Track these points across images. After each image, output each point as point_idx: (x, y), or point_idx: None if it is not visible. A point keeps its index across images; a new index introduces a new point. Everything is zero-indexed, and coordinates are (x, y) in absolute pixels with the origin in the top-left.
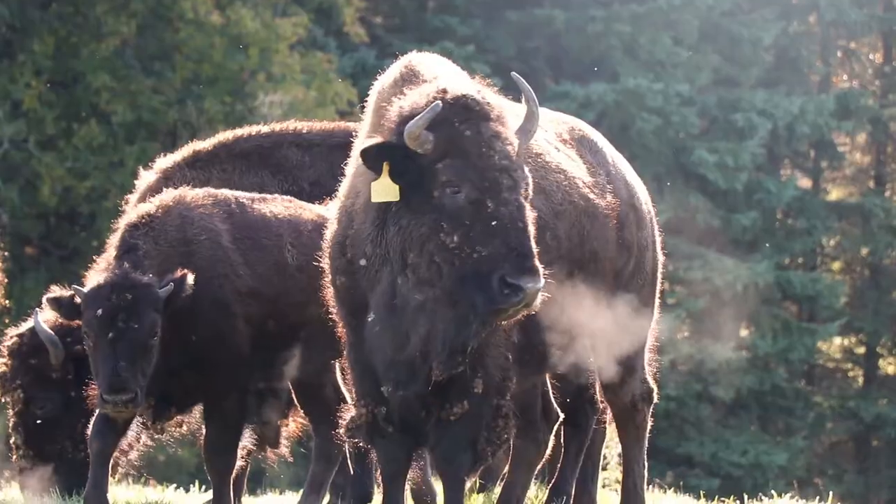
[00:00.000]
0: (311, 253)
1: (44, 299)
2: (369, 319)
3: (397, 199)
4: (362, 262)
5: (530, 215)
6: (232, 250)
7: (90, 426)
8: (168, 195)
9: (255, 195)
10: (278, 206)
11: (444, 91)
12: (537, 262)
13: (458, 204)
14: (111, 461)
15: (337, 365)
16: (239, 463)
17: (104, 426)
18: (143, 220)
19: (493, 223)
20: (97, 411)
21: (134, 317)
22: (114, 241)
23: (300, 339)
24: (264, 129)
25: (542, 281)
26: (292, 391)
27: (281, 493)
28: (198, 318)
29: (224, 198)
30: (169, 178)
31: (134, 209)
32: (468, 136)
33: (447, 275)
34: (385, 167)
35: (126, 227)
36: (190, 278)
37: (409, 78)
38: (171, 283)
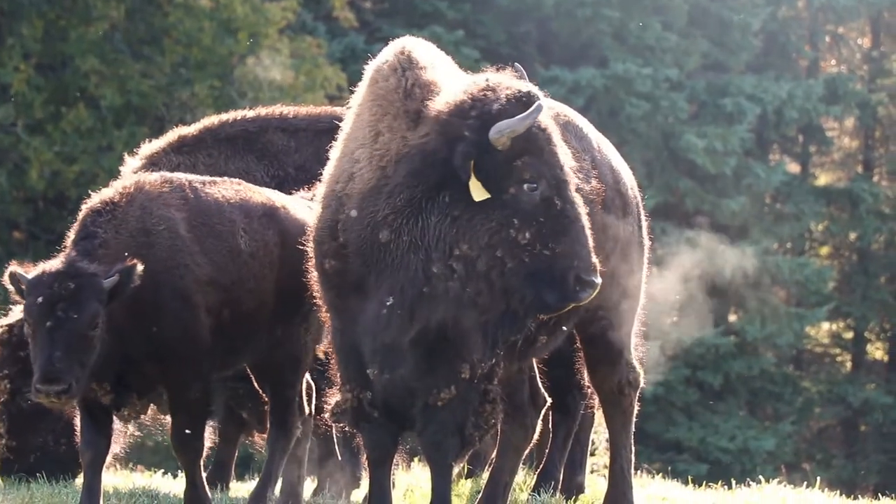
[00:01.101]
0: (261, 238)
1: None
2: (371, 301)
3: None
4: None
5: (585, 211)
6: (190, 239)
7: (79, 434)
8: (128, 181)
9: (206, 178)
10: (228, 190)
11: (509, 87)
12: (595, 259)
13: (535, 201)
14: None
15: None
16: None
17: (93, 435)
18: (106, 207)
19: (564, 220)
20: (81, 418)
21: (74, 306)
22: (75, 225)
23: (257, 325)
24: (250, 113)
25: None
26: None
27: None
28: (160, 308)
29: (179, 183)
30: (155, 164)
31: (96, 194)
32: (538, 133)
33: (513, 270)
34: (471, 165)
35: (88, 212)
36: (138, 269)
37: (408, 65)
38: (117, 274)
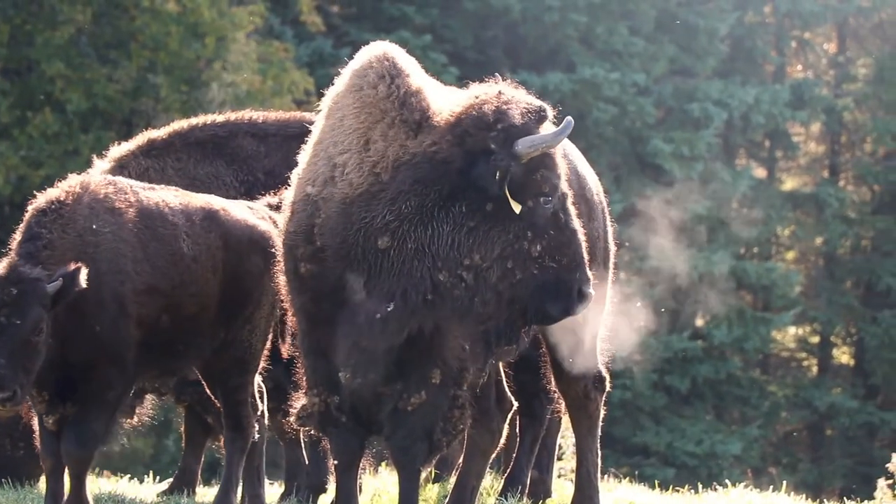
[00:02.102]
0: (203, 242)
1: None
2: (354, 306)
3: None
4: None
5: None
6: (133, 242)
7: (38, 440)
8: (74, 181)
9: (146, 184)
10: (169, 194)
11: (526, 100)
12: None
13: (547, 214)
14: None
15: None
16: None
17: (52, 442)
18: (52, 207)
19: (567, 233)
20: (38, 425)
21: (17, 312)
22: (21, 226)
23: (199, 328)
24: (219, 118)
25: None
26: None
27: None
28: (101, 308)
29: (122, 186)
30: (123, 167)
31: (41, 194)
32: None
33: (522, 282)
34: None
35: (34, 212)
36: (83, 273)
37: (396, 73)
38: (61, 278)
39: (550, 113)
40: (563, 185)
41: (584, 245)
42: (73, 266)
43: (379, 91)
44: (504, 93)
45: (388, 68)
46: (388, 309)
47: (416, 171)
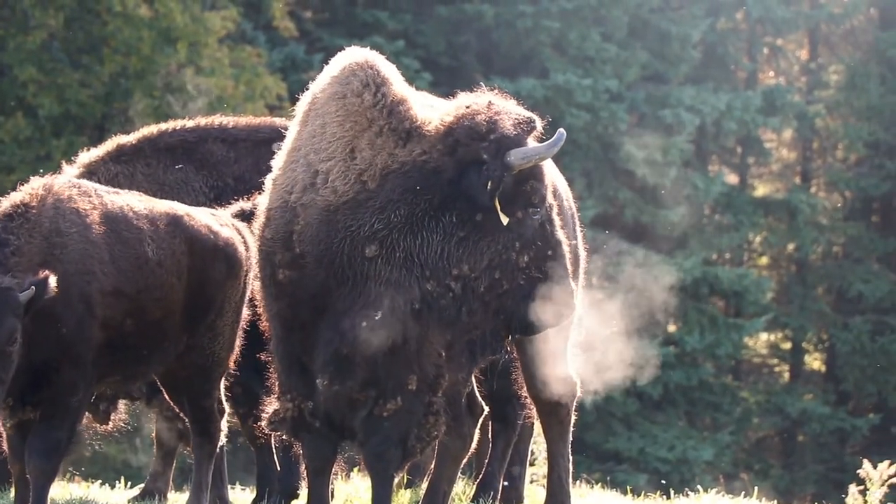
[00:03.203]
0: (168, 247)
1: None
2: (335, 313)
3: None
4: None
5: None
6: (99, 245)
7: (5, 447)
8: (38, 184)
9: (109, 188)
10: (133, 198)
11: (517, 111)
12: None
13: (535, 225)
14: None
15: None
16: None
17: (19, 448)
18: (18, 211)
19: (552, 245)
20: (5, 431)
21: None
22: None
23: (163, 333)
24: (189, 123)
25: None
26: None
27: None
28: (68, 310)
29: (87, 189)
30: (93, 173)
31: (6, 199)
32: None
33: (509, 292)
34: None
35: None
36: (52, 280)
37: (380, 81)
38: (33, 287)
39: (539, 124)
40: (550, 197)
41: (568, 256)
42: (42, 274)
43: (364, 100)
44: (494, 103)
45: (372, 76)
46: (376, 317)
47: (405, 180)
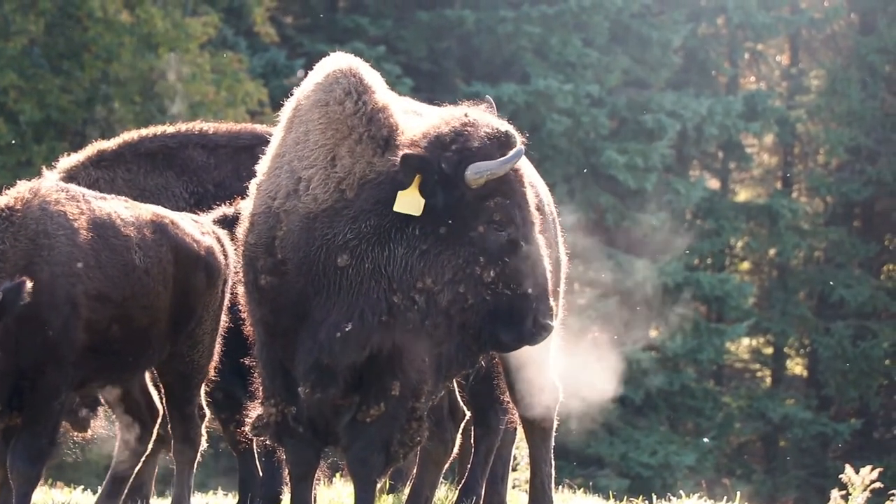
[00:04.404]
0: (155, 255)
1: None
2: (314, 322)
3: (419, 212)
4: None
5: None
6: (87, 249)
7: None
8: (24, 187)
9: (97, 193)
10: (119, 205)
11: (488, 125)
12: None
13: (501, 241)
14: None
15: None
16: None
17: (2, 453)
18: (3, 214)
19: (528, 262)
20: None
21: None
22: None
23: (148, 341)
24: (170, 129)
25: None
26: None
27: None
28: (54, 312)
29: (74, 193)
30: (73, 178)
31: None
32: (512, 175)
33: (474, 307)
34: (416, 181)
35: None
36: (27, 286)
37: (362, 89)
38: (2, 293)
39: (518, 139)
40: (526, 214)
41: (547, 275)
42: (17, 279)
43: (346, 108)
44: (470, 115)
45: (354, 84)
46: (346, 329)
47: (378, 191)
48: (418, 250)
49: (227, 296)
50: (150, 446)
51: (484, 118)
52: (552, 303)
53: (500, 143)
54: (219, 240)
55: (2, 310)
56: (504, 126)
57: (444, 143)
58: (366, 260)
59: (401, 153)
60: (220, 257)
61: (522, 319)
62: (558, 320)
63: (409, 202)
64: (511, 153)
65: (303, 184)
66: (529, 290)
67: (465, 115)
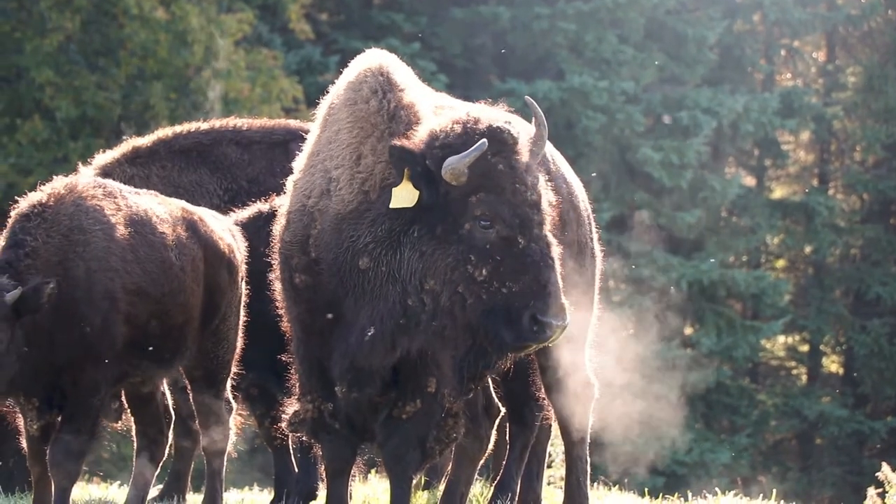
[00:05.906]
0: (187, 252)
1: None
2: (347, 323)
3: (413, 204)
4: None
5: (557, 251)
6: (125, 245)
7: (25, 448)
8: (59, 183)
9: (132, 189)
10: (153, 200)
11: (478, 121)
12: (564, 300)
13: (489, 239)
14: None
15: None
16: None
17: (39, 450)
18: (35, 210)
19: (524, 259)
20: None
21: None
22: (4, 231)
23: (185, 337)
24: (204, 125)
25: (569, 318)
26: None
27: (226, 490)
28: (91, 307)
29: (112, 190)
30: (108, 174)
31: (25, 198)
32: (501, 170)
33: (472, 307)
34: (406, 173)
35: (17, 217)
36: (50, 286)
37: (388, 87)
38: (20, 289)
39: (515, 133)
40: (523, 210)
41: (552, 272)
42: (41, 280)
43: (371, 106)
44: (469, 113)
45: (381, 83)
46: (370, 333)
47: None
48: (419, 252)
49: (244, 291)
50: (165, 453)
51: (482, 115)
52: (562, 300)
53: (496, 140)
54: (234, 236)
55: (22, 309)
56: (498, 122)
57: (434, 139)
58: (381, 264)
59: (389, 144)
60: (238, 253)
61: (519, 317)
62: (594, 316)
63: (403, 196)
64: (472, 148)
65: (333, 183)
66: (525, 287)
67: (468, 113)
